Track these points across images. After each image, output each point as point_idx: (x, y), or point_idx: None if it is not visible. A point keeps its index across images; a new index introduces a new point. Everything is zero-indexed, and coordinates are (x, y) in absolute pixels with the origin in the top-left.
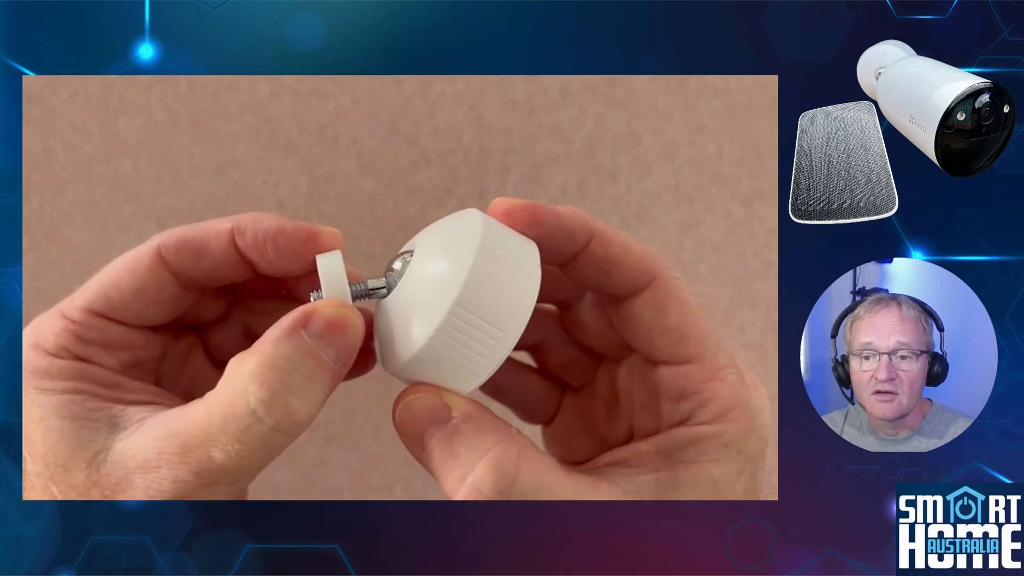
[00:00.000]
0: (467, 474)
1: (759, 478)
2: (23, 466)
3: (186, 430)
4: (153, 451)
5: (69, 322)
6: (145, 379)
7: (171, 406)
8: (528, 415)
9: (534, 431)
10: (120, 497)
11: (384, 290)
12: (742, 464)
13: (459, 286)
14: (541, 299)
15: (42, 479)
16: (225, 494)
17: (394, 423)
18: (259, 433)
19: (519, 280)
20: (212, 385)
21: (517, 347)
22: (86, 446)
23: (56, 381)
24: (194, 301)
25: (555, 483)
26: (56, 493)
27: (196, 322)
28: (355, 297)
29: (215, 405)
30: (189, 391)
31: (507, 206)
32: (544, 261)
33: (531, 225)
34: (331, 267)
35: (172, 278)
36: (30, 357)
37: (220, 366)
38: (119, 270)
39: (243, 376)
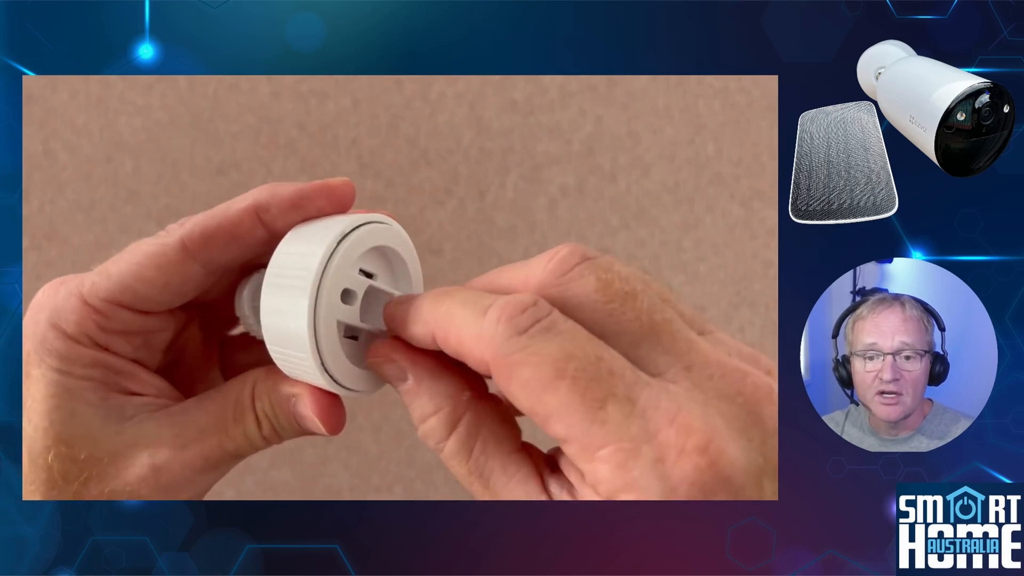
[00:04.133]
0: (420, 424)
1: None
2: (24, 431)
3: (204, 421)
4: (168, 433)
5: (92, 311)
6: (153, 358)
7: (169, 398)
8: None
9: None
10: (123, 476)
11: None
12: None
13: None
14: None
15: (43, 449)
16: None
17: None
18: (255, 440)
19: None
20: (205, 360)
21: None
22: (98, 428)
23: (74, 366)
24: (215, 280)
25: (489, 450)
26: (55, 466)
27: (206, 298)
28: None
29: (229, 404)
30: (179, 363)
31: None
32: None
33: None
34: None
35: (200, 268)
36: (49, 336)
37: (211, 341)
38: (144, 264)
39: (251, 392)
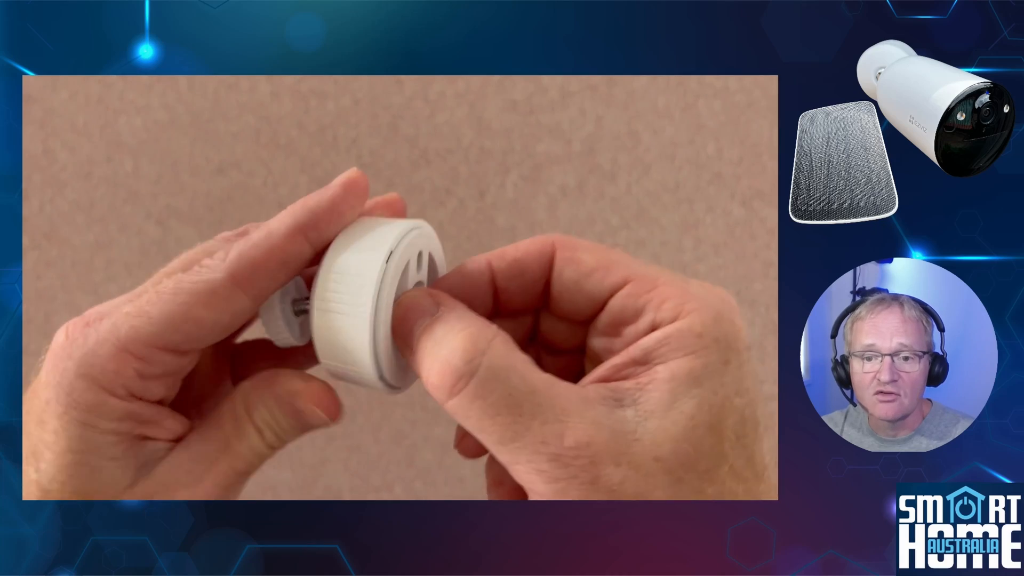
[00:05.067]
0: (442, 351)
1: (748, 373)
2: (24, 473)
3: (211, 450)
4: (183, 471)
5: (132, 358)
6: (175, 391)
7: (178, 434)
8: None
9: None
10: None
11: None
12: (724, 353)
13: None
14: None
15: (50, 495)
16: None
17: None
18: (261, 449)
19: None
20: (217, 374)
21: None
22: (116, 482)
23: (102, 419)
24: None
25: (527, 369)
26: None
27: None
28: (296, 313)
29: (228, 425)
30: (191, 383)
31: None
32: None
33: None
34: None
35: (250, 302)
36: (77, 387)
37: (222, 354)
38: (192, 304)
39: (245, 404)
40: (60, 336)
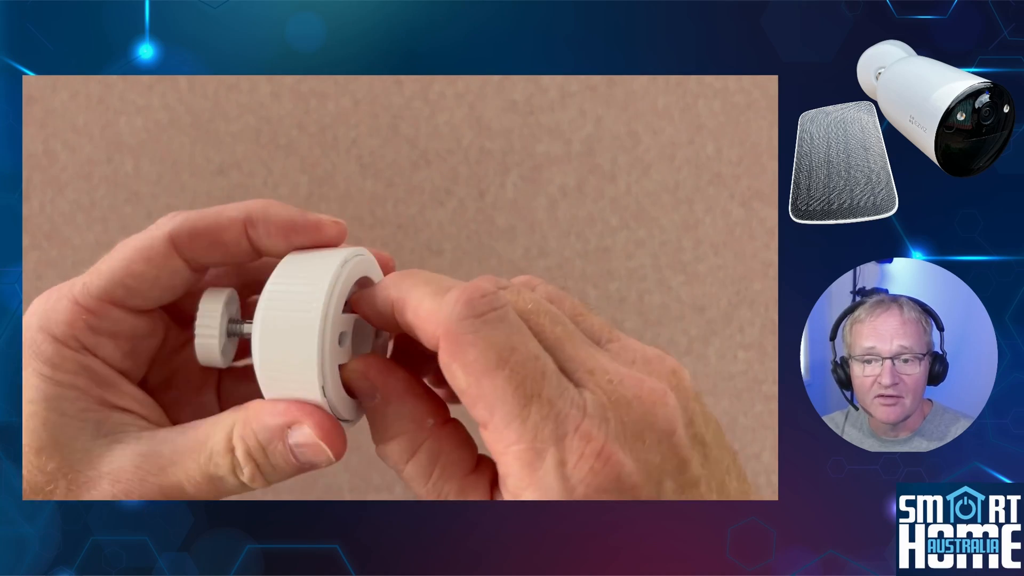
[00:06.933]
0: (380, 445)
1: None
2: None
3: (169, 457)
4: (130, 463)
5: (83, 310)
6: (139, 369)
7: (150, 418)
8: None
9: None
10: (83, 495)
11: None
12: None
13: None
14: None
15: (28, 447)
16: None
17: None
18: (229, 485)
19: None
20: (200, 383)
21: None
22: (67, 442)
23: (57, 371)
24: (198, 279)
25: (454, 465)
26: (24, 474)
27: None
28: (228, 334)
29: (198, 446)
30: (172, 384)
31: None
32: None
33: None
34: (209, 308)
35: (184, 264)
36: (37, 339)
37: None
38: (133, 258)
39: (228, 434)
40: (34, 301)
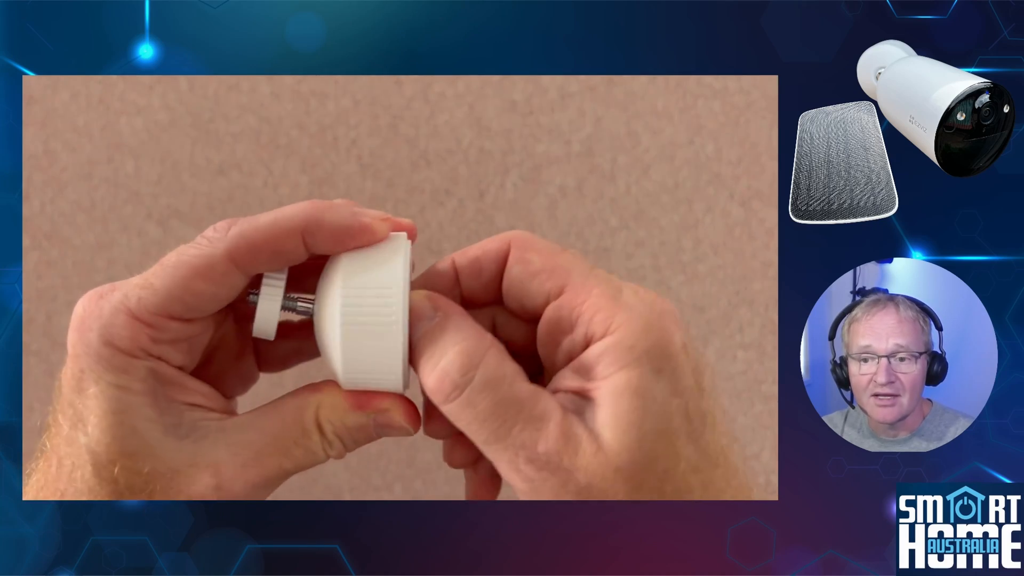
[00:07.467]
0: (440, 360)
1: (684, 373)
2: (69, 440)
3: (261, 441)
4: (226, 453)
5: (143, 324)
6: (194, 360)
7: (216, 408)
8: None
9: None
10: (184, 490)
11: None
12: (656, 362)
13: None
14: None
15: (109, 463)
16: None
17: None
18: (319, 459)
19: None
20: (240, 352)
21: None
22: (157, 444)
23: (132, 380)
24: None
25: (514, 380)
26: (121, 479)
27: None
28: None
29: (288, 429)
30: (214, 359)
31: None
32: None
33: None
34: (271, 290)
35: (244, 278)
36: (104, 353)
37: (244, 333)
38: (191, 276)
39: (315, 416)
40: (79, 309)
